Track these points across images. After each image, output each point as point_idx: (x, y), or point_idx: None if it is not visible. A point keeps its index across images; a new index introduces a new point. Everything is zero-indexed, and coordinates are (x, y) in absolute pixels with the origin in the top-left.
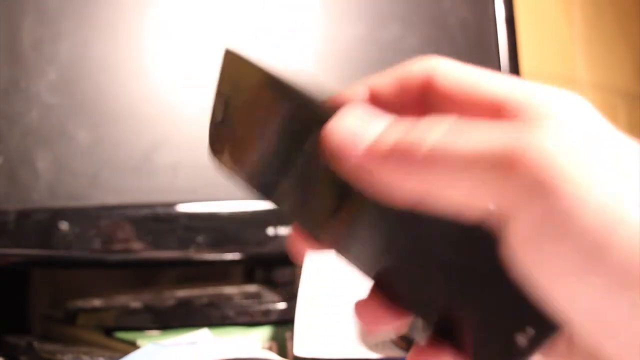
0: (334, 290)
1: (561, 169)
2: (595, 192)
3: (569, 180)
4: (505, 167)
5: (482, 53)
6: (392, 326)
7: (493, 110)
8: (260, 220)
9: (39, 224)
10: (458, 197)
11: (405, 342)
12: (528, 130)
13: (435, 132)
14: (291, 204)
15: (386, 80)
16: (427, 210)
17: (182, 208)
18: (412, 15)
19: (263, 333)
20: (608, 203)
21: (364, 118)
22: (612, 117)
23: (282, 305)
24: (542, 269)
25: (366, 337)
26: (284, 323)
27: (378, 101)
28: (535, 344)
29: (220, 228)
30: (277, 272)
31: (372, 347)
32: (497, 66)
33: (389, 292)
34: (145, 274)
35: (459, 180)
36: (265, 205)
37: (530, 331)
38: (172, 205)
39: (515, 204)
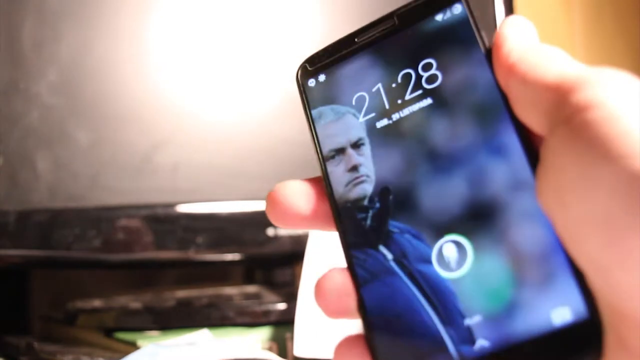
0: None
1: (606, 104)
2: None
3: (608, 108)
4: (561, 91)
5: None
6: None
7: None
8: (260, 220)
9: (39, 224)
10: (525, 104)
11: None
12: (588, 75)
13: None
14: None
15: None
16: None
17: (182, 208)
18: None
19: (263, 333)
20: None
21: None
22: None
23: (282, 306)
24: (573, 187)
25: None
26: (284, 323)
27: None
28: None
29: (220, 228)
30: (277, 272)
31: None
32: None
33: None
34: (145, 274)
35: (527, 91)
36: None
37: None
38: (172, 205)
39: (558, 120)
